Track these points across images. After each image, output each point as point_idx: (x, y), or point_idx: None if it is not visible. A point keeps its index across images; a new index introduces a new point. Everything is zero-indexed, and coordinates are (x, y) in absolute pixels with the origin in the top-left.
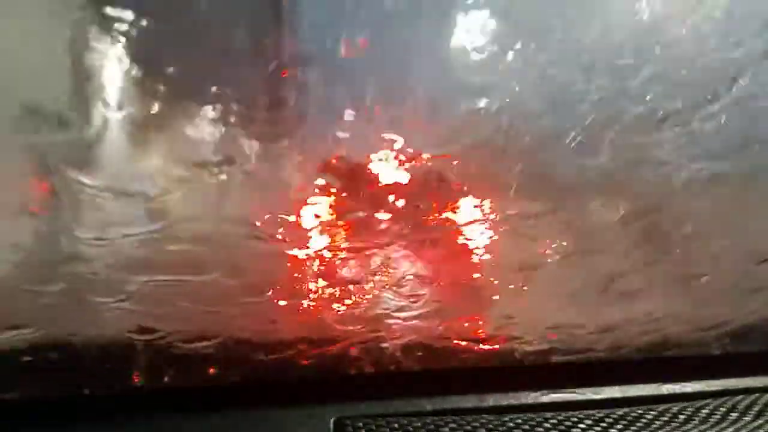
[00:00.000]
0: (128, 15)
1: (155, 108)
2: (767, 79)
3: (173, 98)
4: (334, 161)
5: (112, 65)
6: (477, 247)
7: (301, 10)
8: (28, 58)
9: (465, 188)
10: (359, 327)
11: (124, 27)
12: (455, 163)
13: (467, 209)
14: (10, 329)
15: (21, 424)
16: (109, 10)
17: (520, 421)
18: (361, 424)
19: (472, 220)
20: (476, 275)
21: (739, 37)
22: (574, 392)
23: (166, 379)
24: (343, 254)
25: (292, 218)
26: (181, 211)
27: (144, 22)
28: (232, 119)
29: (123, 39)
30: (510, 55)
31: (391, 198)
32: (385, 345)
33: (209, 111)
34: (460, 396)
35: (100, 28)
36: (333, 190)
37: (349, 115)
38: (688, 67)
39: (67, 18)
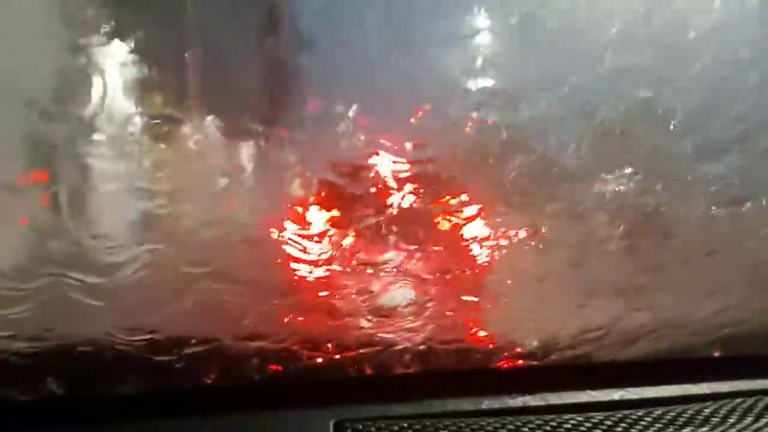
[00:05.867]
0: (127, 15)
1: (154, 108)
2: None
3: (172, 99)
4: (333, 165)
5: (111, 65)
6: (477, 250)
7: (299, 12)
8: (27, 58)
9: (465, 191)
10: (359, 329)
11: (122, 27)
12: (456, 166)
13: (464, 212)
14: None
15: (19, 424)
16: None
17: (519, 423)
18: (360, 427)
19: (470, 223)
20: (476, 278)
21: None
22: (574, 395)
23: (165, 381)
24: (343, 257)
25: (292, 221)
26: (180, 212)
27: (142, 23)
28: (233, 119)
29: (121, 39)
30: (510, 58)
31: (389, 201)
32: (385, 348)
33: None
34: (460, 399)
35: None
36: (332, 192)
37: (348, 117)
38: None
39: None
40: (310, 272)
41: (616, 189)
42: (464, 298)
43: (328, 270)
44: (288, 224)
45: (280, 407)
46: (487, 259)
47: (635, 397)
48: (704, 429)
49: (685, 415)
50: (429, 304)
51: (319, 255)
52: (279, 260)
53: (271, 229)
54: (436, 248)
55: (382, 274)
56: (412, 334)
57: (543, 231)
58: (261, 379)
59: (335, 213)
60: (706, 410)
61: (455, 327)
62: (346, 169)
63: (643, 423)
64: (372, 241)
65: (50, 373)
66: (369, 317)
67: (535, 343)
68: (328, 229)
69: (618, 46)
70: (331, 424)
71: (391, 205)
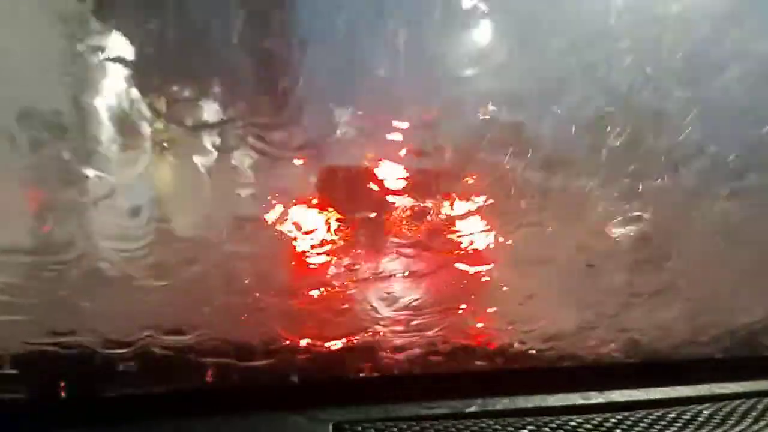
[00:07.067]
0: (128, 16)
1: (153, 110)
2: None
3: (171, 99)
4: (332, 166)
5: (110, 66)
6: (477, 251)
7: (301, 10)
8: (26, 63)
9: (465, 190)
10: (359, 331)
11: (122, 28)
12: (456, 165)
13: (467, 212)
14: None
15: (21, 425)
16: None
17: (519, 425)
18: (360, 428)
19: (472, 224)
20: (476, 279)
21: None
22: (574, 396)
23: (165, 383)
24: (343, 258)
25: (292, 222)
26: (180, 213)
27: (143, 24)
28: (232, 120)
29: (121, 40)
30: (510, 55)
31: (390, 201)
32: (384, 349)
33: (208, 111)
34: (458, 400)
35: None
36: (333, 193)
37: (348, 116)
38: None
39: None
40: (311, 274)
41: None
42: (464, 300)
43: (328, 272)
44: (289, 226)
45: (279, 408)
46: (488, 261)
47: (635, 398)
48: (704, 430)
49: (684, 416)
50: (428, 307)
51: (320, 257)
52: (280, 262)
53: (272, 232)
54: (436, 251)
55: (382, 276)
56: (411, 336)
57: (543, 233)
58: (261, 380)
59: (336, 215)
60: (705, 412)
61: (454, 329)
62: (345, 171)
63: (642, 424)
64: (372, 243)
65: (51, 374)
66: (369, 319)
67: (535, 346)
68: (329, 231)
69: None
70: (331, 425)
71: (391, 207)
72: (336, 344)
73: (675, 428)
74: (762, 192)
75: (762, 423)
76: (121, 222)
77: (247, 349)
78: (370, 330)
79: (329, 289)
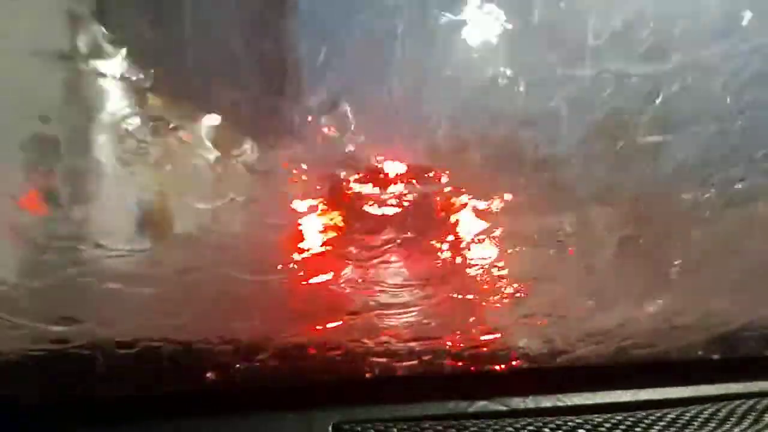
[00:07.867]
0: (129, 22)
1: (154, 118)
2: None
3: (172, 108)
4: (333, 175)
5: (110, 73)
6: (475, 252)
7: (303, 19)
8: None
9: (463, 195)
10: (358, 332)
11: (123, 32)
12: (455, 170)
13: (463, 217)
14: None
15: (22, 426)
16: (110, 18)
17: (519, 426)
18: (359, 429)
19: (469, 226)
20: (474, 281)
21: None
22: (572, 397)
23: (164, 383)
24: (341, 260)
25: (290, 224)
26: (181, 217)
27: (143, 30)
28: (232, 129)
29: (121, 46)
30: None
31: (388, 203)
32: (383, 350)
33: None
34: (459, 401)
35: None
36: (331, 195)
37: (348, 125)
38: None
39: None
40: (312, 275)
41: None
42: (464, 300)
43: (328, 272)
44: (287, 230)
45: (279, 409)
46: (488, 261)
47: (634, 399)
48: (704, 431)
49: (684, 417)
50: (429, 307)
51: (320, 258)
52: (280, 263)
53: (272, 232)
54: (436, 251)
55: (382, 276)
56: (412, 337)
57: (544, 232)
58: (261, 380)
59: (336, 215)
60: (705, 412)
61: (455, 329)
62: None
63: (641, 425)
64: (372, 243)
65: (52, 375)
66: (369, 319)
67: (534, 346)
68: (329, 232)
69: None
70: (330, 425)
71: (390, 206)
72: (336, 345)
73: (675, 428)
74: None
75: (762, 423)
76: (121, 226)
77: (247, 350)
78: (370, 331)
79: (329, 290)
